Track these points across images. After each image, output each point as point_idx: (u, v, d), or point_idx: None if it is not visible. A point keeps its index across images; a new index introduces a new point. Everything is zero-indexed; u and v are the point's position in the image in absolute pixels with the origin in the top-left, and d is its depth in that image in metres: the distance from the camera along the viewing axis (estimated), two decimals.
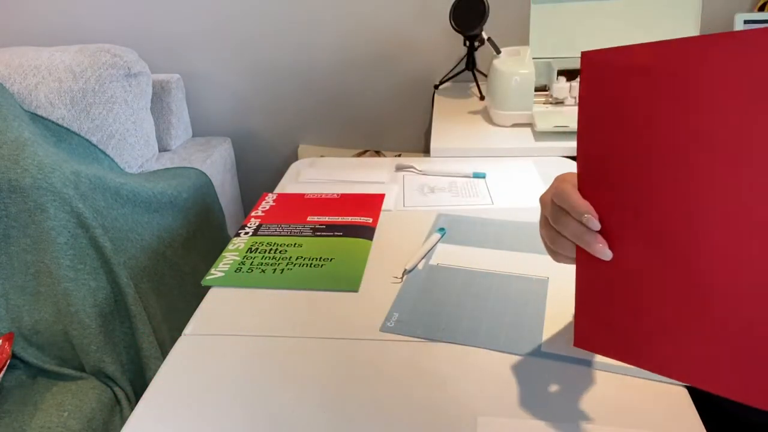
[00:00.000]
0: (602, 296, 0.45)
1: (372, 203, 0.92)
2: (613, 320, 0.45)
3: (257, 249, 0.80)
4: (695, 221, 0.39)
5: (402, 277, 0.72)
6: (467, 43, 1.35)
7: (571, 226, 0.44)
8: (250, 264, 0.76)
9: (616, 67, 0.40)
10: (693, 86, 0.37)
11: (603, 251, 0.43)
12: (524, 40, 1.28)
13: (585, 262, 0.46)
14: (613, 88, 0.41)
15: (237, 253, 0.79)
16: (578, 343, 0.48)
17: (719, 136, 0.36)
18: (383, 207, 0.91)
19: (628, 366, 0.53)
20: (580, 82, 0.43)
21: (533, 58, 1.21)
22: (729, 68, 0.35)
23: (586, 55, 0.42)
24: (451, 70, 1.49)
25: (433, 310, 0.65)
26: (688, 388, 0.52)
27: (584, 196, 0.44)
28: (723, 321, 0.39)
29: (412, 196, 0.94)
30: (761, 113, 0.34)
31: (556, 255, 0.49)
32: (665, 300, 0.42)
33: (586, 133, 0.43)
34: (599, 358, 0.56)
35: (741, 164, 0.36)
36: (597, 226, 0.43)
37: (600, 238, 0.43)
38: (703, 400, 0.52)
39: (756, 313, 0.38)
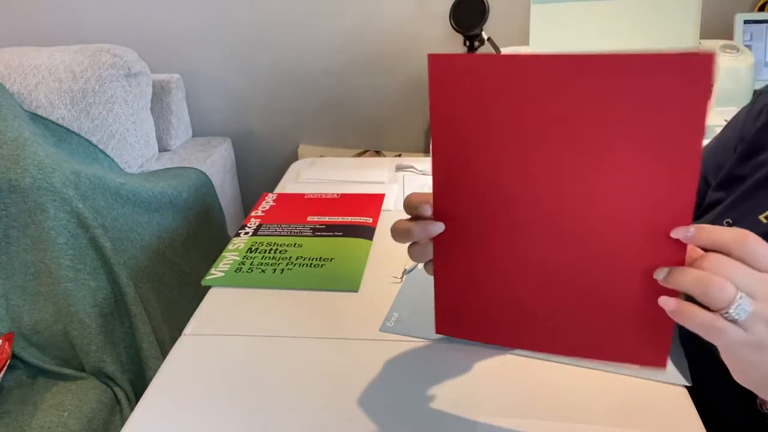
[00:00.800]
0: (457, 288, 0.50)
1: (372, 203, 0.92)
2: (467, 307, 0.50)
3: (257, 249, 0.80)
4: (534, 212, 0.43)
5: (402, 277, 0.72)
6: (467, 43, 1.34)
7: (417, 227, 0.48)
8: (250, 264, 0.76)
9: (460, 73, 0.42)
10: (521, 96, 0.40)
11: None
12: (524, 40, 1.28)
13: (441, 258, 0.50)
14: (457, 93, 0.42)
15: (237, 253, 0.79)
16: (439, 330, 0.53)
17: (552, 140, 0.40)
18: (383, 207, 0.91)
19: (628, 366, 0.53)
20: (428, 85, 0.44)
21: None
22: (554, 85, 0.38)
23: (432, 58, 0.43)
24: None
25: (433, 310, 0.65)
26: (688, 388, 0.53)
27: (439, 200, 0.47)
28: (567, 296, 0.44)
29: None
30: (583, 122, 0.39)
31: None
32: (512, 286, 0.46)
33: (436, 133, 0.45)
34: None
35: (565, 162, 0.40)
36: (428, 211, 0.47)
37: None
38: (703, 401, 0.52)
39: (597, 285, 0.43)
